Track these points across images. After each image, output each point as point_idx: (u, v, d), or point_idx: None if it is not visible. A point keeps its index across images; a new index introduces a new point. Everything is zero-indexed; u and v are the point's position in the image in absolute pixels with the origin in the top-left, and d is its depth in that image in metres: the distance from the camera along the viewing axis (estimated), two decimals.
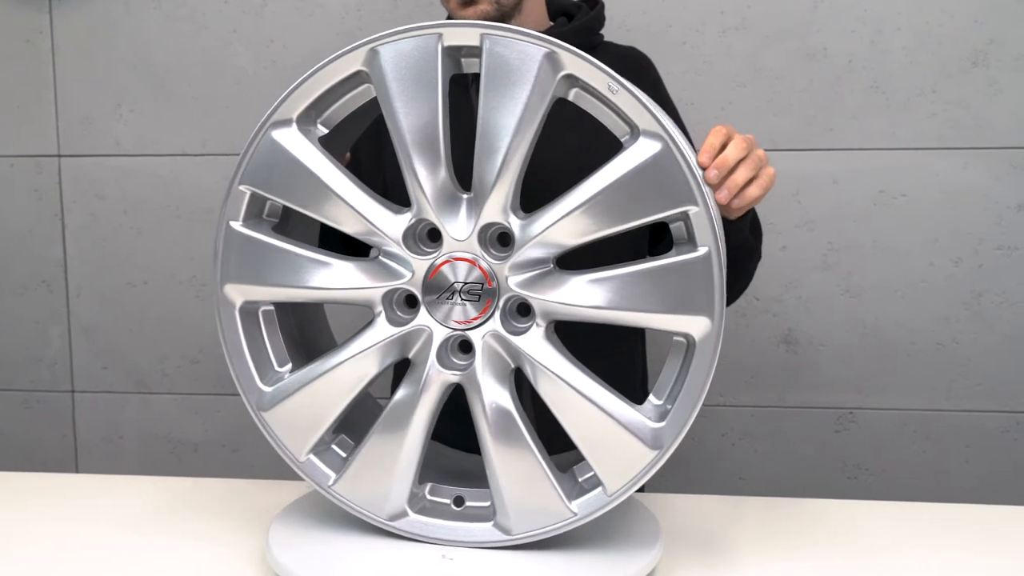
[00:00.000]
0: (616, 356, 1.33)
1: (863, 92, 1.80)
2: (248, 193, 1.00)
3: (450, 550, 1.00)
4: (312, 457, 1.03)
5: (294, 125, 0.98)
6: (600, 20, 1.39)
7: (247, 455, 2.03)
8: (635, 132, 0.91)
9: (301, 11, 1.89)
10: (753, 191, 0.98)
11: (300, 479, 1.06)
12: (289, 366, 1.04)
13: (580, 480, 1.00)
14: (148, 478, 1.30)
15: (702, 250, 0.90)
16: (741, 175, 0.96)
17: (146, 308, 2.01)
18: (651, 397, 0.97)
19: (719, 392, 1.89)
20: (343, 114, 1.00)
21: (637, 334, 1.42)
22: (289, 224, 1.06)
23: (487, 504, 1.01)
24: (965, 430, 1.86)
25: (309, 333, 1.10)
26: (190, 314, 1.99)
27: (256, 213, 1.02)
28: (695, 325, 0.91)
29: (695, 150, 0.96)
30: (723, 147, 0.96)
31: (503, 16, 1.28)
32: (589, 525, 0.99)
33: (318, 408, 1.00)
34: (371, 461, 1.00)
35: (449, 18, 1.35)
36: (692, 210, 0.90)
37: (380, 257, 0.99)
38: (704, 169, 0.93)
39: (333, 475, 1.03)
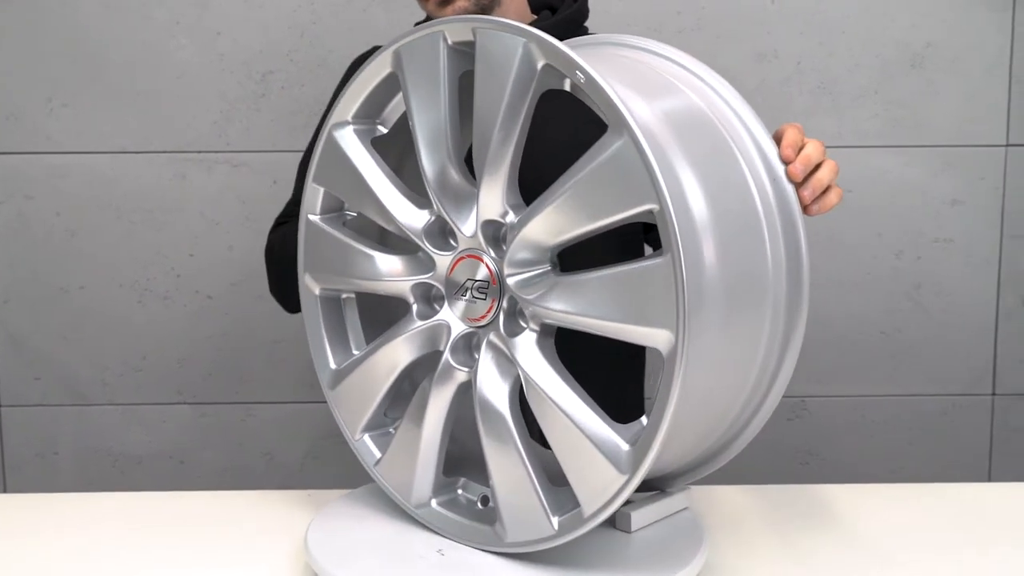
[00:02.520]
0: (613, 368, 1.33)
1: (811, 92, 1.87)
2: (321, 190, 1.05)
3: (449, 547, 0.98)
4: (366, 437, 1.06)
5: (350, 125, 1.02)
6: (584, 13, 1.39)
7: (194, 466, 1.95)
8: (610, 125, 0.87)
9: (250, 3, 1.83)
10: (833, 198, 0.94)
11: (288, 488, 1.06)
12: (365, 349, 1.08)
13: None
14: (94, 494, 1.24)
15: (664, 255, 0.80)
16: (825, 175, 0.92)
17: (83, 315, 1.90)
18: (643, 418, 0.90)
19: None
20: (398, 114, 1.03)
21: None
22: (364, 218, 1.08)
23: None
24: (908, 413, 1.96)
25: (386, 319, 1.10)
26: (132, 320, 1.89)
27: (335, 207, 1.07)
28: (658, 338, 0.81)
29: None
30: (802, 146, 0.92)
31: (482, 11, 1.27)
32: (621, 537, 0.97)
33: (365, 390, 1.03)
34: (400, 449, 1.02)
35: (427, 18, 1.33)
36: (654, 209, 0.80)
37: (419, 252, 0.99)
38: (787, 164, 0.90)
39: (379, 456, 1.05)
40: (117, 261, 1.88)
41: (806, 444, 1.97)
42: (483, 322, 0.95)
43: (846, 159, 1.87)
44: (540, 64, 0.87)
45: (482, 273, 0.94)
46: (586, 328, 0.86)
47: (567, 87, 0.88)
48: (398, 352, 1.01)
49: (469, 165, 0.95)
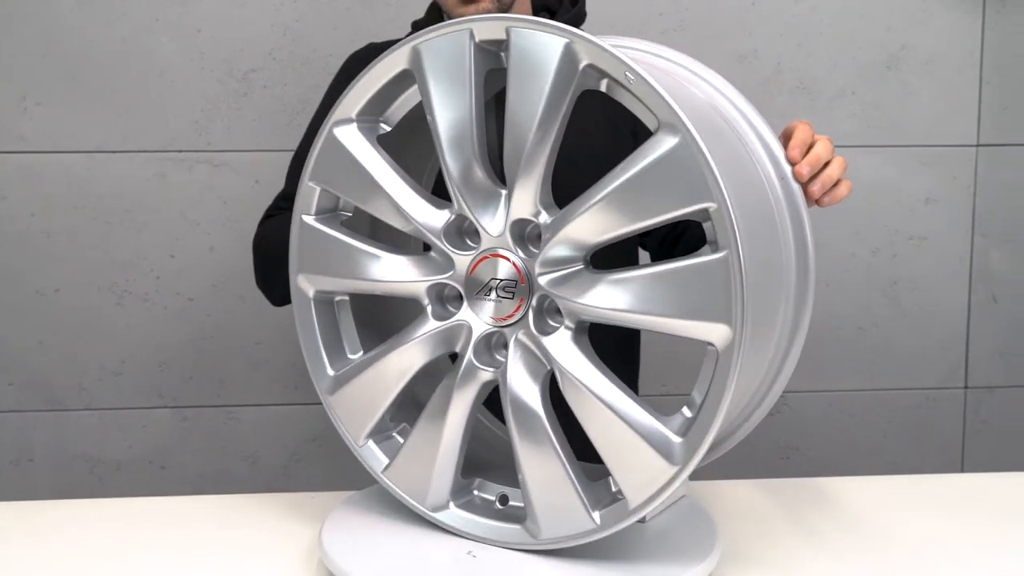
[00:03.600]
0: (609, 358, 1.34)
1: (790, 93, 1.91)
2: (318, 189, 1.02)
3: (478, 547, 0.99)
4: (371, 443, 1.04)
5: (354, 123, 0.99)
6: (581, 16, 1.40)
7: (175, 471, 1.92)
8: (660, 124, 0.89)
9: (232, 0, 1.80)
10: (843, 190, 0.97)
11: (278, 491, 1.04)
12: (360, 353, 1.06)
13: (614, 490, 0.95)
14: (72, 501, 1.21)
15: (721, 252, 0.83)
16: (835, 171, 0.95)
17: (59, 318, 1.85)
18: (683, 408, 0.92)
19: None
20: (403, 112, 1.01)
21: (634, 336, 1.44)
22: (361, 218, 1.06)
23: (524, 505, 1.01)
24: (883, 407, 2.01)
25: (384, 321, 1.10)
26: (111, 323, 1.86)
27: (330, 207, 1.04)
28: (715, 333, 0.84)
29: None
30: (811, 145, 0.96)
31: (501, 11, 1.27)
32: (638, 530, 0.98)
33: (373, 395, 1.01)
34: (415, 452, 1.01)
35: (445, 17, 1.32)
36: (711, 207, 0.83)
37: (432, 252, 0.98)
38: (793, 164, 0.93)
39: (387, 461, 1.03)
40: (94, 263, 1.84)
41: (787, 439, 2.00)
42: (509, 321, 0.95)
43: None
44: (582, 64, 0.87)
45: (509, 272, 0.94)
46: (631, 324, 0.88)
47: (603, 88, 0.89)
48: (412, 355, 0.99)
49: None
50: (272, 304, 1.36)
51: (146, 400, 1.89)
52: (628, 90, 0.86)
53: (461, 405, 0.97)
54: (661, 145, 0.84)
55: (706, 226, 0.86)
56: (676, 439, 0.88)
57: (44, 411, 1.87)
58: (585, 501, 0.92)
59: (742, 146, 1.01)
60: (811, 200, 0.98)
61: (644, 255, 1.52)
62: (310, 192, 1.02)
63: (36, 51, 1.78)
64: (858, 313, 1.97)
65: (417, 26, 1.36)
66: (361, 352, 1.06)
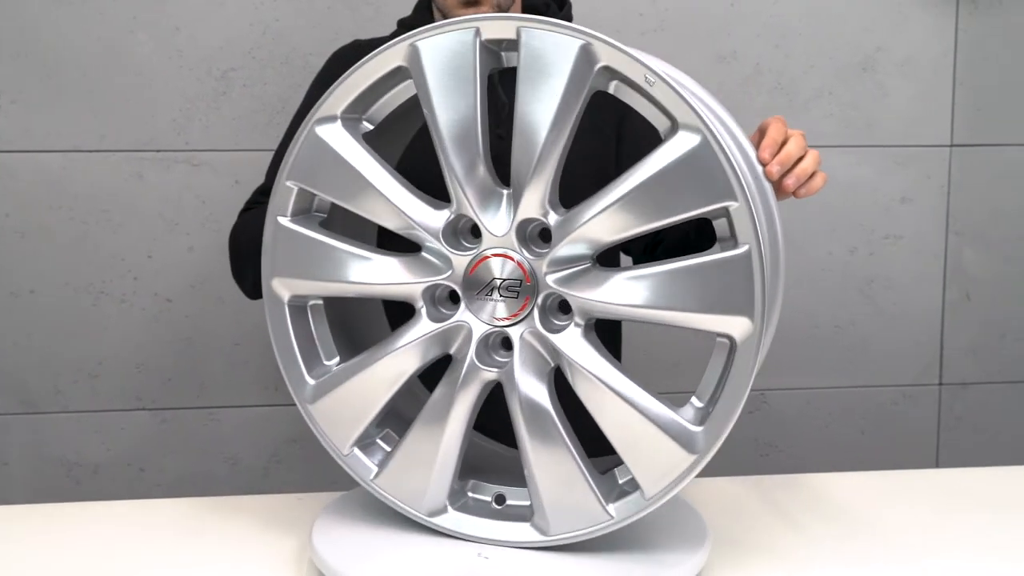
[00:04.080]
0: None
1: (769, 93, 1.92)
2: (295, 188, 0.99)
3: (486, 548, 0.99)
4: (356, 451, 1.02)
5: (338, 121, 0.97)
6: (568, 19, 1.41)
7: (154, 474, 1.90)
8: (675, 125, 0.93)
9: None
10: (818, 181, 1.00)
11: (263, 492, 1.03)
12: (337, 359, 1.04)
13: (621, 483, 0.98)
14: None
15: (742, 247, 0.87)
16: (809, 165, 0.98)
17: (34, 320, 1.82)
18: (693, 399, 0.95)
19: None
20: (388, 110, 1.00)
21: (617, 335, 1.45)
22: (337, 219, 1.03)
23: (528, 503, 1.01)
24: (860, 404, 2.04)
25: (358, 326, 1.09)
26: (88, 324, 1.83)
27: (305, 208, 1.01)
28: (735, 326, 0.88)
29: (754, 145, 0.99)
30: (783, 143, 0.98)
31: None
32: (631, 525, 0.99)
33: (361, 402, 1.00)
34: (411, 456, 1.00)
35: (440, 17, 1.31)
36: (732, 206, 0.87)
37: (423, 253, 0.98)
38: (764, 165, 0.95)
39: (375, 469, 1.02)
40: (70, 264, 1.82)
41: (765, 436, 2.02)
42: (513, 320, 0.95)
43: None
44: (598, 66, 0.88)
45: (512, 271, 0.94)
46: (649, 320, 0.91)
47: (611, 89, 0.91)
48: (406, 359, 0.98)
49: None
50: (247, 296, 1.33)
51: (124, 402, 1.87)
52: (642, 92, 0.89)
53: (463, 406, 0.97)
54: (682, 145, 0.87)
55: (717, 224, 0.90)
56: (695, 428, 0.91)
57: (19, 414, 1.85)
58: (599, 495, 0.94)
59: (717, 146, 1.03)
60: (787, 193, 0.99)
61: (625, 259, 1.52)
62: (287, 192, 0.99)
63: (11, 49, 1.75)
64: (835, 311, 2.00)
65: (404, 24, 1.36)
66: (338, 358, 1.04)
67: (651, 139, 1.31)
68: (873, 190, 1.97)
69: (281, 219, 1.00)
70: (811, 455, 2.03)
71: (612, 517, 0.94)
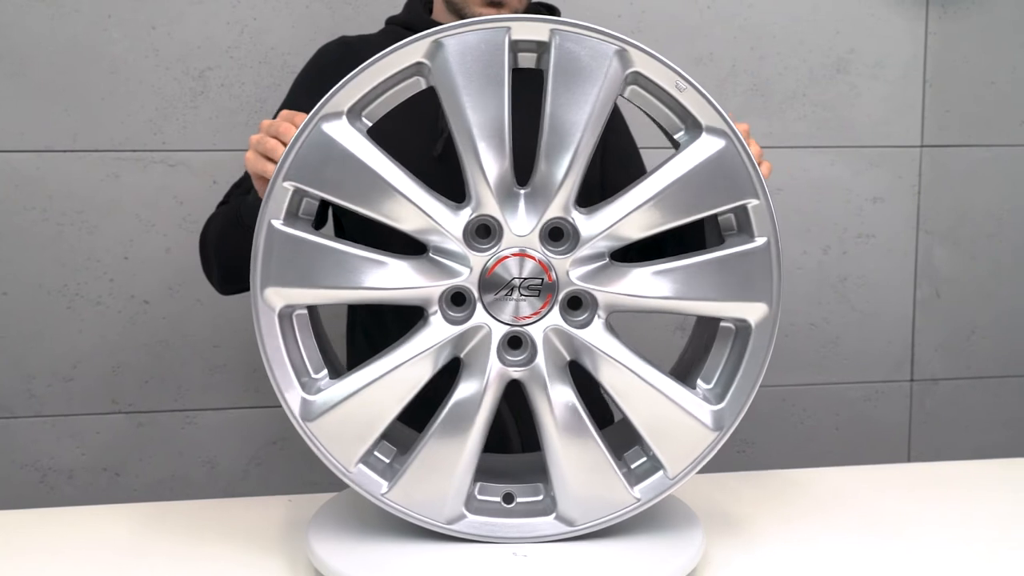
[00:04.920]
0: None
1: (744, 94, 1.95)
2: (291, 189, 0.94)
3: (520, 547, 1.00)
4: (362, 466, 1.00)
5: (344, 118, 0.94)
6: None
7: (130, 478, 1.87)
8: (692, 129, 0.96)
9: None
10: (763, 172, 1.06)
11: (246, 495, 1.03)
12: (324, 372, 1.00)
13: (633, 467, 1.03)
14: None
15: (761, 240, 0.98)
16: (765, 167, 1.04)
17: (6, 323, 1.79)
18: (699, 382, 1.03)
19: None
20: (389, 107, 0.98)
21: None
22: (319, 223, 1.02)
23: (539, 499, 1.03)
24: (834, 401, 2.07)
25: (324, 335, 1.06)
26: (61, 327, 1.80)
27: (293, 211, 0.96)
28: (753, 311, 0.99)
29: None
30: None
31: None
32: (641, 519, 1.03)
33: (371, 415, 0.97)
34: (429, 465, 0.98)
35: (453, 15, 1.28)
36: (752, 203, 0.97)
37: (432, 255, 0.97)
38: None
39: (384, 483, 1.00)
40: (43, 266, 1.79)
41: (742, 433, 2.04)
42: (534, 319, 0.97)
43: (777, 159, 1.95)
44: (629, 71, 0.93)
45: (534, 270, 0.96)
46: (670, 310, 0.98)
47: (627, 94, 0.96)
48: (421, 367, 0.96)
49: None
50: (219, 292, 1.31)
51: (99, 406, 1.84)
52: (660, 98, 0.95)
53: (488, 409, 0.98)
54: (709, 148, 0.94)
55: (724, 219, 0.98)
56: (714, 407, 0.99)
57: None
58: (624, 481, 0.99)
59: None
60: None
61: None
62: (283, 194, 0.94)
63: None
64: (809, 309, 2.03)
65: (396, 22, 1.35)
66: (325, 372, 1.00)
67: (632, 153, 1.39)
68: (846, 190, 2.00)
69: (276, 223, 0.94)
70: (787, 451, 2.06)
71: (638, 499, 1.00)
